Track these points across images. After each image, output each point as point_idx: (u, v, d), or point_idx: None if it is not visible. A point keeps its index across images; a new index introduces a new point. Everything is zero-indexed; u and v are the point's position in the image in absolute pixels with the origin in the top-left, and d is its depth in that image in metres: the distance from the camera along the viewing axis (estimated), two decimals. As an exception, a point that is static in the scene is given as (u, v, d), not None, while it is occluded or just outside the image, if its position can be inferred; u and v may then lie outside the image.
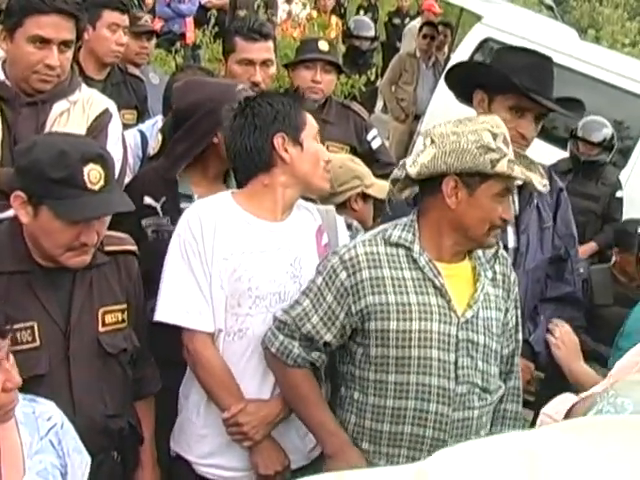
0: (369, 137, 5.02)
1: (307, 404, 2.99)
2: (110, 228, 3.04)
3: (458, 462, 1.23)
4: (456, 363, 2.86)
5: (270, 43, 4.34)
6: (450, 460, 1.24)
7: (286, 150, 3.06)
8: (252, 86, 4.05)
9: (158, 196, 3.43)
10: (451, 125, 2.88)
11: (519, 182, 3.47)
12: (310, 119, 3.15)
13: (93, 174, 2.72)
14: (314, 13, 11.46)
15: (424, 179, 2.89)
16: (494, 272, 3.01)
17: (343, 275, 2.88)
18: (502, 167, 2.81)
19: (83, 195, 2.71)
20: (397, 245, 2.91)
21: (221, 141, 3.29)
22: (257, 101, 3.11)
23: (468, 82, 3.61)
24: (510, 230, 3.59)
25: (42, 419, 2.50)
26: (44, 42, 3.29)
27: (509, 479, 1.17)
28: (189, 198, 3.39)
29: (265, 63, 4.26)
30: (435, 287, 2.88)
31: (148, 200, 3.42)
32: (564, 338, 3.61)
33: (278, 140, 3.05)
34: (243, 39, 4.27)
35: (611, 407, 1.60)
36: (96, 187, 2.73)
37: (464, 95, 3.70)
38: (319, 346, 2.95)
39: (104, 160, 2.78)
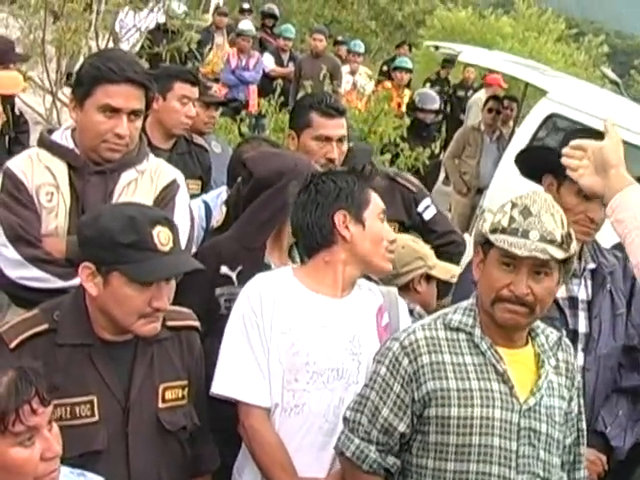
0: (420, 208, 4.71)
1: None
2: (183, 296, 3.05)
3: None
4: (517, 452, 2.78)
5: (344, 120, 4.30)
6: None
7: (347, 228, 3.06)
8: (327, 162, 4.04)
9: (235, 265, 3.42)
10: None
11: (591, 266, 3.54)
12: (375, 198, 3.14)
13: (162, 236, 2.75)
14: (388, 84, 11.53)
15: None
16: (557, 359, 2.94)
17: (405, 362, 2.83)
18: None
19: (155, 257, 2.74)
20: (458, 330, 2.88)
21: None
22: (322, 178, 3.13)
23: (537, 166, 3.61)
24: (582, 315, 3.53)
25: None
26: (114, 111, 3.30)
27: None
28: (268, 267, 3.38)
29: (341, 140, 4.23)
30: (497, 373, 2.83)
31: (224, 269, 3.41)
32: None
33: (339, 217, 3.06)
34: (320, 115, 4.19)
35: None
36: (166, 248, 2.76)
37: (534, 178, 3.68)
38: (395, 445, 2.86)
39: (170, 222, 2.83)
